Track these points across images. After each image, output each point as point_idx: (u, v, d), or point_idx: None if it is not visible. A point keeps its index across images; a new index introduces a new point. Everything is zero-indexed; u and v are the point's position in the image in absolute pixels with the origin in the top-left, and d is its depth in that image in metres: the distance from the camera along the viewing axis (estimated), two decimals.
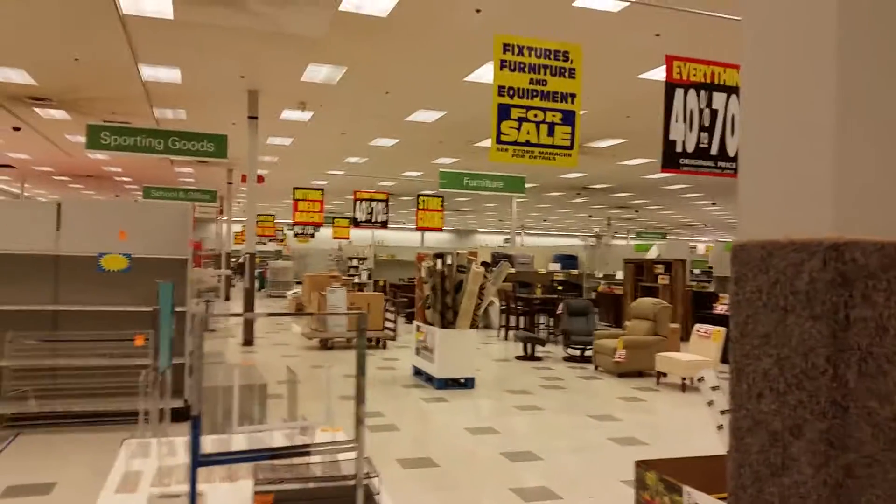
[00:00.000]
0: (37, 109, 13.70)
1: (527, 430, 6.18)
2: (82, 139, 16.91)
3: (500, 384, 8.34)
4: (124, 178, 26.33)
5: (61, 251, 5.91)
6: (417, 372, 8.63)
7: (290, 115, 13.78)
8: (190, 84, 11.54)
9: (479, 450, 5.49)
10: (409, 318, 15.78)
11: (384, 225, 18.84)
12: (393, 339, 11.91)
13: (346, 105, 12.86)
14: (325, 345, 11.04)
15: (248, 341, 11.14)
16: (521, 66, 5.92)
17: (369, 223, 18.46)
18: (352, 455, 2.57)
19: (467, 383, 8.04)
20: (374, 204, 18.47)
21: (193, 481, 1.78)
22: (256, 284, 16.08)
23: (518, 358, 10.59)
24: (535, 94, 5.89)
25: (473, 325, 8.04)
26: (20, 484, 4.43)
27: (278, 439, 2.95)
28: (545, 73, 5.99)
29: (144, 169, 22.84)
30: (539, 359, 10.57)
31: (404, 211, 37.57)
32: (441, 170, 15.66)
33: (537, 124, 5.87)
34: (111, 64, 10.37)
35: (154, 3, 7.76)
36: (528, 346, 10.72)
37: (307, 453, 1.84)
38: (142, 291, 6.24)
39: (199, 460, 1.73)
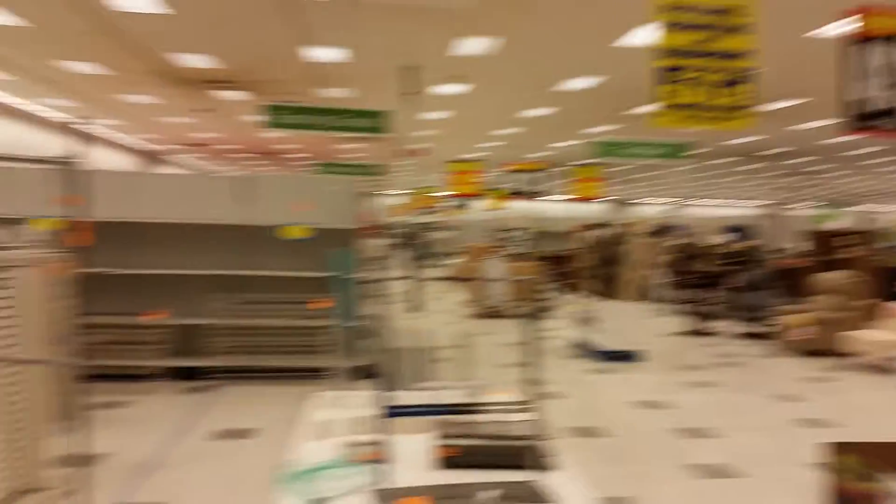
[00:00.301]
0: (223, 92, 15.09)
1: (699, 406, 5.96)
2: (262, 118, 18.39)
3: (668, 359, 8.07)
4: (300, 155, 28.34)
5: (250, 221, 6.52)
6: (578, 344, 8.58)
7: (447, 89, 14.06)
8: (356, 63, 12.12)
9: (648, 424, 5.38)
10: (568, 289, 15.71)
11: (540, 196, 18.73)
12: (551, 309, 11.90)
13: (502, 76, 12.87)
14: (487, 313, 11.29)
15: (414, 308, 11.65)
16: (686, 24, 5.58)
17: (525, 194, 18.44)
18: (525, 416, 2.64)
19: (632, 356, 7.87)
20: (530, 175, 18.40)
21: (386, 430, 1.92)
22: (417, 255, 16.70)
23: (685, 333, 10.17)
24: (702, 53, 5.54)
25: (637, 298, 7.82)
26: (228, 428, 5.02)
27: (451, 398, 3.09)
28: (713, 31, 5.61)
29: (315, 145, 24.41)
30: (709, 334, 10.08)
31: (560, 181, 37.08)
32: (597, 139, 15.25)
33: (706, 85, 5.53)
34: (285, 46, 11.14)
35: None
36: (697, 320, 10.25)
37: (489, 410, 1.93)
38: (322, 258, 6.74)
39: (392, 411, 1.87)
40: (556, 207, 39.20)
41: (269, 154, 28.01)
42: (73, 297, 5.14)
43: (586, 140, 20.20)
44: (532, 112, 16.38)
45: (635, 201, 48.92)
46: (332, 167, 22.00)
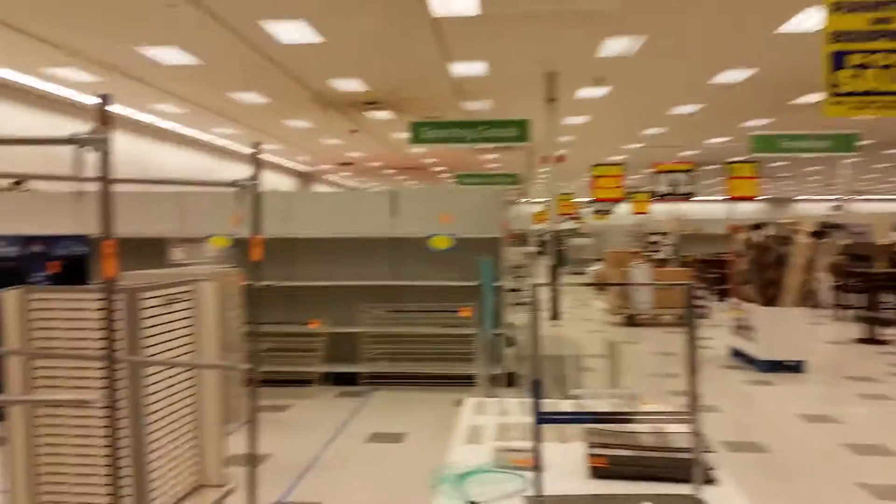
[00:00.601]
0: (368, 113, 15.84)
1: (874, 421, 5.40)
2: (404, 135, 19.10)
3: (836, 369, 7.39)
4: (439, 168, 29.09)
5: (397, 233, 6.78)
6: (736, 353, 8.07)
7: (586, 92, 13.83)
8: (494, 75, 12.26)
9: (815, 439, 4.96)
10: (720, 296, 14.84)
11: (688, 197, 17.86)
12: (704, 317, 11.30)
13: (644, 75, 12.46)
14: (631, 321, 10.93)
15: (555, 315, 11.54)
16: (858, 5, 5.12)
17: (672, 195, 17.68)
18: (682, 428, 2.54)
19: (796, 366, 7.29)
20: (676, 175, 17.63)
21: (537, 436, 1.93)
22: (559, 261, 16.52)
23: (857, 341, 9.26)
24: (878, 34, 5.04)
25: (801, 303, 7.24)
26: (380, 432, 5.25)
27: (602, 407, 3.04)
28: (890, 10, 5.09)
29: (455, 158, 24.95)
30: (884, 342, 9.11)
31: (709, 181, 35.16)
32: (752, 133, 14.30)
33: (885, 68, 5.03)
34: (426, 65, 11.50)
35: (461, 1, 8.39)
36: (869, 326, 9.30)
37: (644, 421, 1.88)
38: (465, 267, 6.88)
39: (543, 418, 1.88)
40: (708, 208, 37.18)
41: (412, 168, 29.00)
42: (244, 308, 5.61)
43: (741, 135, 19.04)
44: (679, 109, 15.71)
45: (797, 198, 45.27)
46: (474, 178, 22.35)
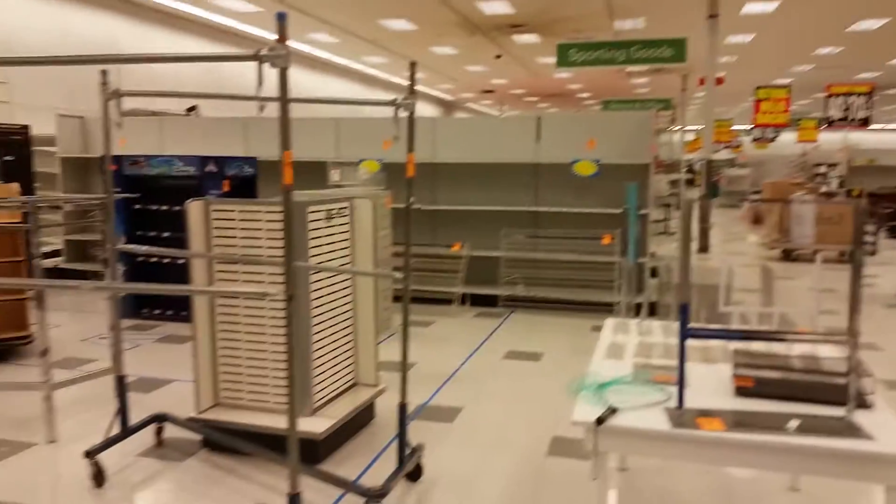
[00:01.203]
0: (513, 37, 15.53)
1: None
2: (550, 60, 18.59)
3: None
4: (584, 94, 28.13)
5: (540, 160, 6.76)
6: None
7: (751, 8, 12.66)
8: None
9: None
10: (891, 233, 13.53)
11: (863, 123, 16.08)
12: (873, 254, 10.37)
13: None
14: (788, 256, 10.27)
15: (704, 248, 11.08)
16: None
17: (844, 121, 15.99)
18: (837, 352, 2.44)
19: None
20: (852, 99, 15.88)
21: (682, 352, 1.95)
22: (712, 192, 15.67)
23: None
24: None
25: None
26: (517, 350, 5.44)
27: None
28: None
29: (602, 83, 23.97)
30: None
31: (889, 107, 31.36)
32: None
33: None
34: None
35: None
36: None
37: (797, 340, 1.84)
38: (608, 194, 6.76)
39: (689, 333, 1.90)
40: (884, 138, 33.26)
41: (555, 95, 28.26)
42: (394, 228, 5.90)
43: None
44: (860, 25, 14.00)
45: None
46: (621, 104, 21.46)
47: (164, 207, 6.33)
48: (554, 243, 6.95)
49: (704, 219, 11.08)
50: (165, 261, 6.36)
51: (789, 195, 10.63)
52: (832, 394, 2.01)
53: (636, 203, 4.86)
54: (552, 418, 3.96)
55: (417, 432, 3.74)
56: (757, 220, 16.29)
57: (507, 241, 7.09)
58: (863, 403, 1.96)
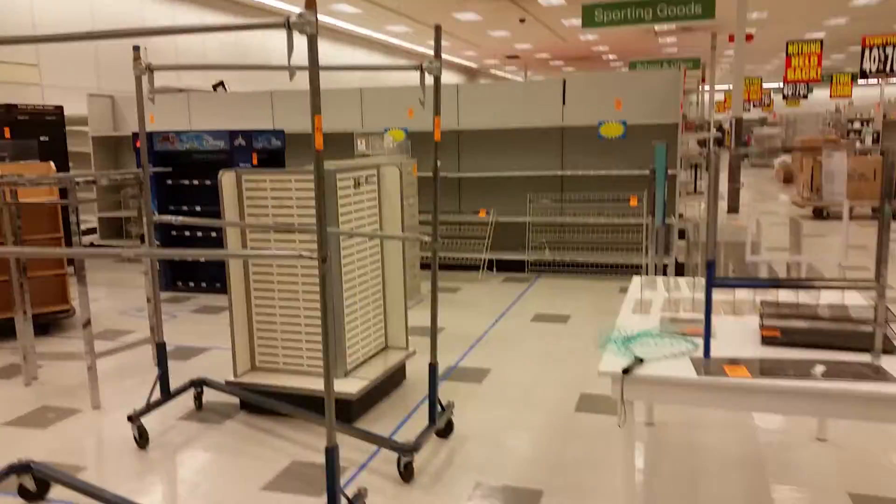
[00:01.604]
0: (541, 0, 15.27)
1: None
2: (575, 22, 18.27)
3: None
4: (610, 56, 27.61)
5: (566, 123, 6.71)
6: None
7: None
8: None
9: None
10: None
11: None
12: None
13: None
14: (820, 214, 10.10)
15: (733, 208, 10.94)
16: None
17: (882, 73, 15.49)
18: (864, 300, 2.44)
19: None
20: (889, 50, 15.35)
21: (709, 303, 1.98)
22: (742, 152, 15.38)
23: None
24: None
25: None
26: (544, 313, 5.48)
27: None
28: None
29: (628, 44, 23.50)
30: None
31: None
32: None
33: None
34: None
35: None
36: None
37: (824, 287, 1.85)
38: (635, 156, 6.70)
39: (715, 281, 1.92)
40: None
41: (581, 59, 27.79)
42: (420, 197, 5.94)
43: None
44: None
45: None
46: (648, 64, 21.05)
47: (196, 182, 6.45)
48: (580, 207, 6.93)
49: (734, 178, 10.92)
50: (199, 234, 6.50)
51: (822, 152, 10.40)
52: (858, 341, 2.02)
53: (664, 163, 4.82)
54: (581, 377, 4.01)
55: (447, 393, 3.83)
56: (788, 178, 15.98)
57: (533, 206, 7.10)
58: (889, 349, 1.97)
